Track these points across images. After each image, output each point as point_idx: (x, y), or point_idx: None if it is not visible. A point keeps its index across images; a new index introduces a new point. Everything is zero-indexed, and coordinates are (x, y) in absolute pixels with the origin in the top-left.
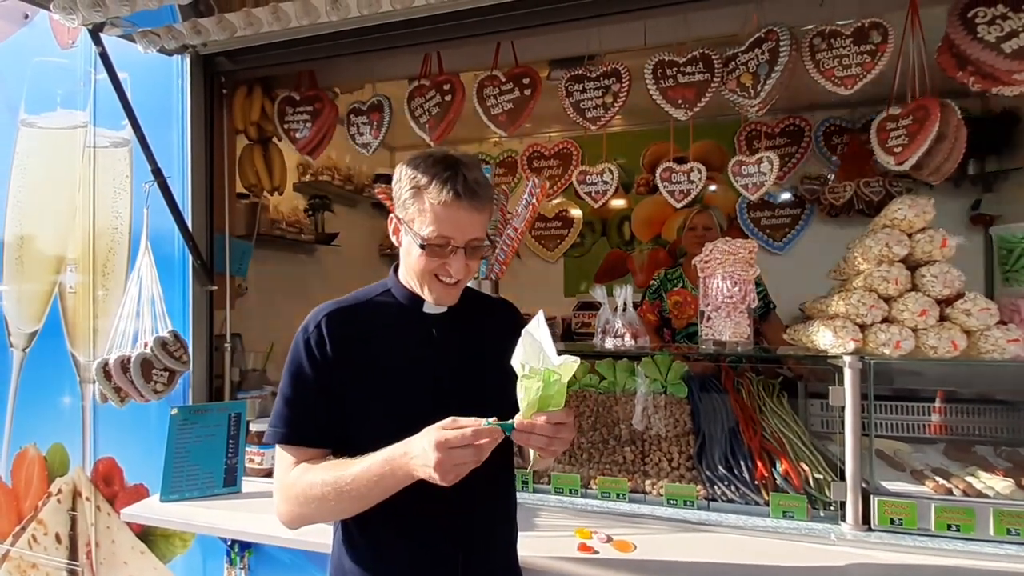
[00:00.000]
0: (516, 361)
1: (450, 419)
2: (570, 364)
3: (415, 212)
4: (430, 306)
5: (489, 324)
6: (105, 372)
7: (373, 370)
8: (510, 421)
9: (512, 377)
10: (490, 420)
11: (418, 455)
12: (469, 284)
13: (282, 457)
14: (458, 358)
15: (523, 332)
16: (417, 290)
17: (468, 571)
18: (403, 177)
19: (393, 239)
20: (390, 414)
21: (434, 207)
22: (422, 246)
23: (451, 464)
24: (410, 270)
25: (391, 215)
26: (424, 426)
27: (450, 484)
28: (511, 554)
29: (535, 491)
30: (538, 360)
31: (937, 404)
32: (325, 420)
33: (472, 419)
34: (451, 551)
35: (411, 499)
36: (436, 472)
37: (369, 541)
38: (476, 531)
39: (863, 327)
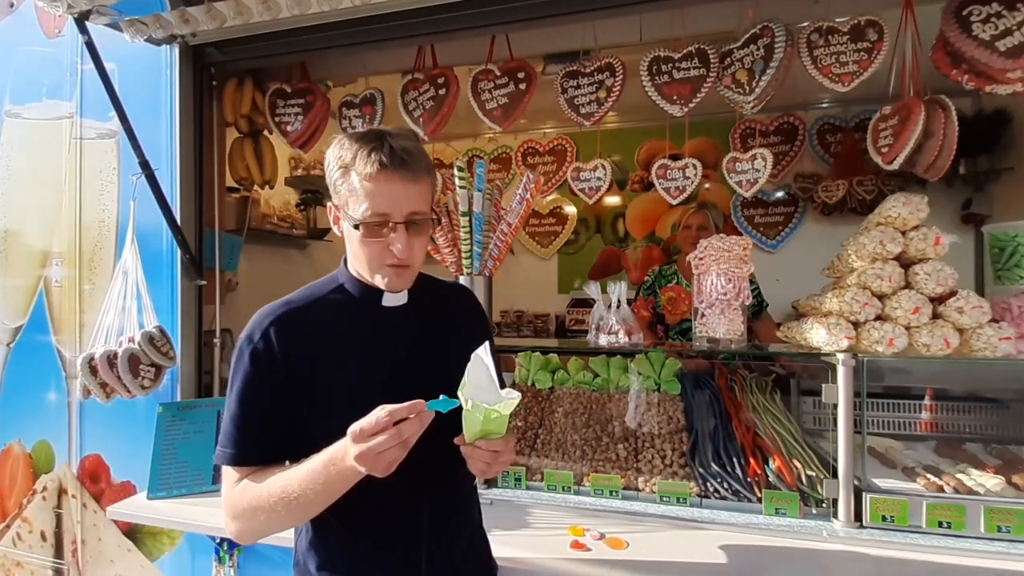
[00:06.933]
0: (460, 392)
1: (379, 408)
2: (510, 401)
3: (346, 193)
4: (388, 298)
5: (447, 311)
6: (91, 366)
7: (328, 371)
8: (443, 400)
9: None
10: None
11: (349, 450)
12: (436, 275)
13: (228, 475)
14: (417, 348)
15: (471, 361)
16: (368, 279)
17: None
18: (331, 159)
19: (335, 229)
20: (348, 412)
21: (363, 183)
22: (357, 227)
23: (372, 454)
24: (356, 258)
25: (328, 203)
26: None
27: (383, 474)
28: (476, 553)
29: (528, 488)
30: (483, 392)
31: (928, 402)
32: (279, 431)
33: (403, 405)
34: (412, 550)
35: (364, 498)
36: (361, 465)
37: (334, 543)
38: (432, 530)
39: (856, 325)
